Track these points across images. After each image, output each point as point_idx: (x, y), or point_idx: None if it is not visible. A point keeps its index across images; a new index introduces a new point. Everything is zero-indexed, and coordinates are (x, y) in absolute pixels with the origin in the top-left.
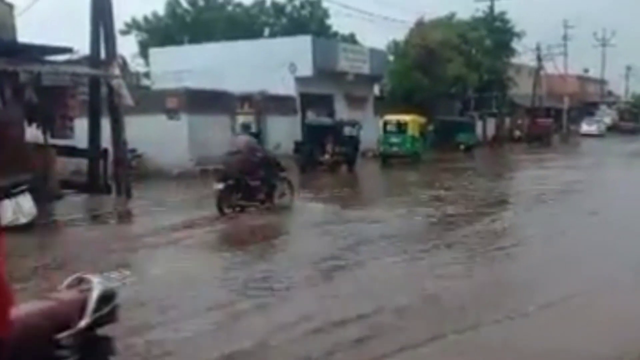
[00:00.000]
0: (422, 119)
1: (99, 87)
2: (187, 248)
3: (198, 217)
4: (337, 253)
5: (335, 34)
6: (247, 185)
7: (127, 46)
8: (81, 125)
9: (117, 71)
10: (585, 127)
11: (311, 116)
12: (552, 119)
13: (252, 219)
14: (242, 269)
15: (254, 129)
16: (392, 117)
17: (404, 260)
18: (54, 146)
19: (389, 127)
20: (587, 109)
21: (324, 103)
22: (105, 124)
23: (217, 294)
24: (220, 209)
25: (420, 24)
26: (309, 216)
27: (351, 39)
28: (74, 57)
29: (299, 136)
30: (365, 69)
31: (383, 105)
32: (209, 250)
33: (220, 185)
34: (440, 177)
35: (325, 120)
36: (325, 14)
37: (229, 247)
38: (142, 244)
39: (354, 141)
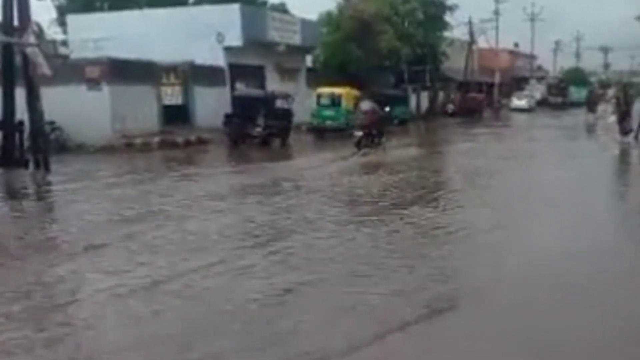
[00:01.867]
0: (356, 92)
1: (12, 55)
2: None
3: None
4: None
5: (265, 2)
6: (371, 134)
7: (43, 12)
8: None
9: (32, 39)
10: (515, 102)
11: (241, 88)
12: (484, 94)
13: (375, 154)
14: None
15: (180, 101)
16: (326, 90)
17: None
18: None
19: (322, 100)
20: (518, 83)
21: (255, 74)
22: (20, 95)
23: None
24: (358, 148)
25: None
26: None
27: (282, 8)
28: None
29: (228, 108)
30: (297, 40)
31: (316, 77)
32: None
33: (360, 133)
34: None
35: (256, 92)
36: None
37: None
38: None
39: (286, 114)
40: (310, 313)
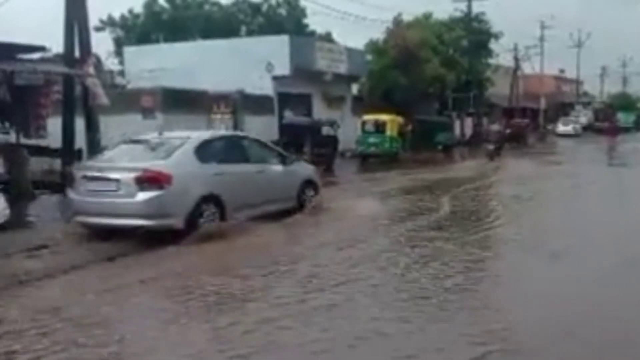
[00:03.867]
0: (400, 119)
1: (73, 86)
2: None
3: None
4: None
5: (313, 33)
6: (499, 148)
7: (101, 44)
8: (55, 125)
9: (91, 70)
10: (561, 127)
11: (289, 116)
12: (529, 119)
13: (504, 161)
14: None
15: (230, 129)
16: (371, 117)
17: None
18: (27, 146)
19: (367, 127)
20: (563, 109)
21: (302, 102)
22: (80, 124)
23: None
24: (490, 158)
25: (397, 23)
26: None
27: (328, 38)
28: (48, 55)
29: (276, 136)
30: (343, 69)
31: (361, 104)
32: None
33: (492, 147)
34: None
35: (303, 119)
36: (302, 13)
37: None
38: None
39: (332, 141)
40: None
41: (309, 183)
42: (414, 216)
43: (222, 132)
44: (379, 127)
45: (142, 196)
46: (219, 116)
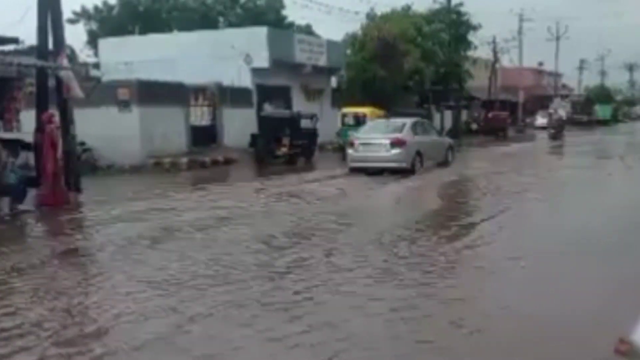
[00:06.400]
0: (380, 112)
1: (46, 78)
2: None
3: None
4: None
5: (291, 25)
6: (559, 132)
7: (75, 36)
8: (29, 118)
9: (65, 62)
10: (540, 120)
11: (267, 108)
12: (508, 112)
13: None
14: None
15: (208, 122)
16: (350, 110)
17: None
18: (2, 140)
19: (347, 120)
20: (542, 101)
21: (281, 95)
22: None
23: None
24: (552, 138)
25: (371, 16)
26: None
27: (307, 30)
28: (21, 47)
29: (255, 128)
30: (323, 61)
31: (341, 97)
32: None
33: (553, 130)
34: None
35: (282, 112)
36: (281, 4)
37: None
38: None
39: (311, 134)
40: None
41: (450, 148)
42: None
43: (418, 119)
44: (359, 120)
45: (393, 151)
46: (197, 109)
